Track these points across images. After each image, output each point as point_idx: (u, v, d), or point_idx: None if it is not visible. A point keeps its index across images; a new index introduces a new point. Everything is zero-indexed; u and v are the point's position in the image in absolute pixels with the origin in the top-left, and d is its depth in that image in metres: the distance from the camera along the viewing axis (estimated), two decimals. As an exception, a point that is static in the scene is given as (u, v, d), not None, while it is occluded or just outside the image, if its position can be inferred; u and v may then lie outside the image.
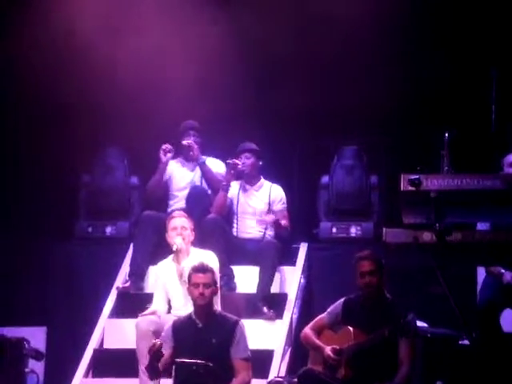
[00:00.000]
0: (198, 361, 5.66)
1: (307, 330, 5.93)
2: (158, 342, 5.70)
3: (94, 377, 6.76)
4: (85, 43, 7.69)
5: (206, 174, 7.40)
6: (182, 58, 7.67)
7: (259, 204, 7.38)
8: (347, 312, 5.83)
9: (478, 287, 6.80)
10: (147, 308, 6.65)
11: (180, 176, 7.51)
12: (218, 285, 6.49)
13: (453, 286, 5.95)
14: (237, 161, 7.26)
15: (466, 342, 6.34)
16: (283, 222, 7.27)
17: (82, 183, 7.86)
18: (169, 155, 7.32)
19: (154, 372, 5.77)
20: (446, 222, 6.24)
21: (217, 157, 7.54)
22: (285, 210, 7.37)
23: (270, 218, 7.20)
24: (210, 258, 6.60)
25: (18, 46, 7.62)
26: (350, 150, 7.78)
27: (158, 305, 6.65)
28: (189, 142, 7.38)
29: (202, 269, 5.89)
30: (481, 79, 7.40)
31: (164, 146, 7.29)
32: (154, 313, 6.56)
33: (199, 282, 5.84)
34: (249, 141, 7.44)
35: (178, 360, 5.77)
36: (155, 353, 5.65)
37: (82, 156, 7.82)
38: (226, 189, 7.27)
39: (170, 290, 6.66)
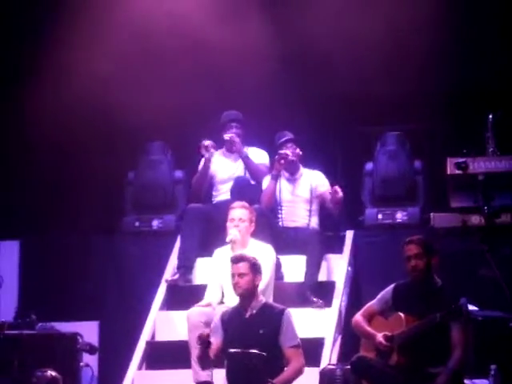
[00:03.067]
0: (251, 350, 5.71)
1: (358, 316, 5.92)
2: (206, 331, 5.77)
3: (147, 369, 6.83)
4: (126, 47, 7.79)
5: (250, 166, 7.40)
6: (221, 47, 7.69)
7: (303, 192, 7.36)
8: (397, 298, 5.81)
9: (528, 269, 6.74)
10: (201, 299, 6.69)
11: (223, 168, 7.52)
12: (271, 275, 6.49)
13: (502, 268, 5.92)
14: (287, 151, 7.22)
15: (519, 324, 6.31)
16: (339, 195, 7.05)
17: (128, 180, 7.95)
18: (212, 151, 7.28)
19: (205, 361, 5.85)
20: (494, 204, 6.21)
21: (258, 144, 7.52)
22: (329, 190, 7.24)
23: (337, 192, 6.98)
24: (267, 251, 6.64)
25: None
26: (393, 136, 7.75)
27: (211, 295, 6.68)
28: (230, 135, 7.37)
29: (236, 259, 5.96)
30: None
31: (205, 143, 7.25)
32: (209, 305, 6.59)
33: (234, 272, 5.92)
34: (291, 129, 7.42)
35: (231, 350, 5.82)
36: (203, 342, 5.74)
37: (127, 153, 7.91)
38: (276, 177, 7.24)
39: (223, 279, 6.68)
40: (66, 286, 7.59)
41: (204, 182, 7.43)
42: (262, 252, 6.49)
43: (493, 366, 5.97)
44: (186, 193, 7.83)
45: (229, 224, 6.70)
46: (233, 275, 5.94)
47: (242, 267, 5.92)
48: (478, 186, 6.42)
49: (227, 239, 6.65)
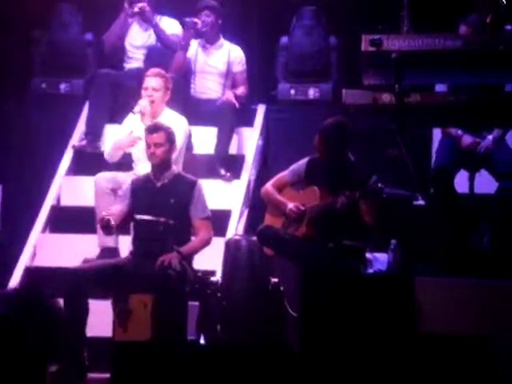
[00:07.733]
0: (159, 218, 5.72)
1: (268, 186, 5.93)
2: (106, 216, 5.73)
3: (51, 232, 6.77)
4: None
5: (160, 35, 7.23)
6: None
7: (218, 63, 7.27)
8: (311, 172, 5.81)
9: (434, 149, 6.89)
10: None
11: (135, 35, 7.34)
12: (181, 146, 6.43)
13: (409, 147, 6.01)
14: (196, 19, 7.11)
15: (421, 202, 6.47)
16: (240, 90, 7.19)
17: (35, 38, 7.63)
18: (136, 9, 7.10)
19: (108, 229, 5.83)
20: (405, 83, 6.24)
21: (173, 16, 7.34)
22: (244, 72, 7.27)
23: (228, 96, 7.05)
24: (180, 121, 6.53)
25: None
26: (309, 11, 7.64)
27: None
28: (141, 5, 7.16)
29: (152, 129, 5.93)
30: None
31: None
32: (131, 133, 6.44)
33: (150, 142, 5.89)
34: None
35: (138, 217, 5.82)
36: (105, 226, 5.76)
37: (33, 10, 7.56)
38: (185, 48, 7.12)
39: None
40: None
41: (117, 36, 7.21)
42: (175, 122, 6.39)
43: (393, 241, 6.13)
44: (97, 57, 7.59)
45: (143, 92, 6.55)
46: (148, 145, 5.89)
47: (158, 137, 5.87)
48: (391, 64, 6.41)
49: (135, 110, 6.51)
